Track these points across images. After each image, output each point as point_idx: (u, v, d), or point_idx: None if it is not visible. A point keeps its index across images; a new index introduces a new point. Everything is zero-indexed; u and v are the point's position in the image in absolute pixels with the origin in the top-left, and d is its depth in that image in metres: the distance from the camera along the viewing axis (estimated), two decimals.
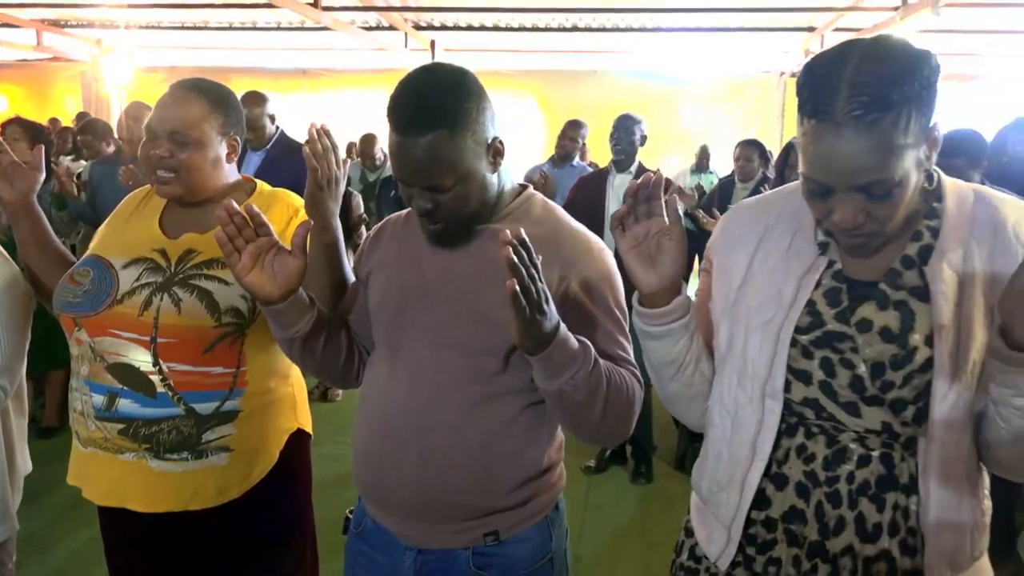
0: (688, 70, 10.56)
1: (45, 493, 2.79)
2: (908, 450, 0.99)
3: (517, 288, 0.94)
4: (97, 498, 1.42)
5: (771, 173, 3.96)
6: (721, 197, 4.23)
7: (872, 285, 1.01)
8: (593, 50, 9.54)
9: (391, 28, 8.76)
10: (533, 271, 0.97)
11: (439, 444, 1.15)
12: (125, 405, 1.36)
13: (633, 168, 3.45)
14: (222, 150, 1.45)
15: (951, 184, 1.03)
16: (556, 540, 1.25)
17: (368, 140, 5.12)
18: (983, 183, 2.75)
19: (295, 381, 1.53)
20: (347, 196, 4.51)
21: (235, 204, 1.15)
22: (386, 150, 5.80)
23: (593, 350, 1.08)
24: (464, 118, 1.11)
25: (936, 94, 0.91)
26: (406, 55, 9.63)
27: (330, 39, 8.85)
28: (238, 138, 1.48)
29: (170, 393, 1.36)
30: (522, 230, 0.97)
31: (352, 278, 1.37)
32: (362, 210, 4.29)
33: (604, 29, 8.74)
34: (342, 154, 1.33)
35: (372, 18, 8.43)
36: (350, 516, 1.35)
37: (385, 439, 1.20)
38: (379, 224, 1.38)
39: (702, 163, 7.75)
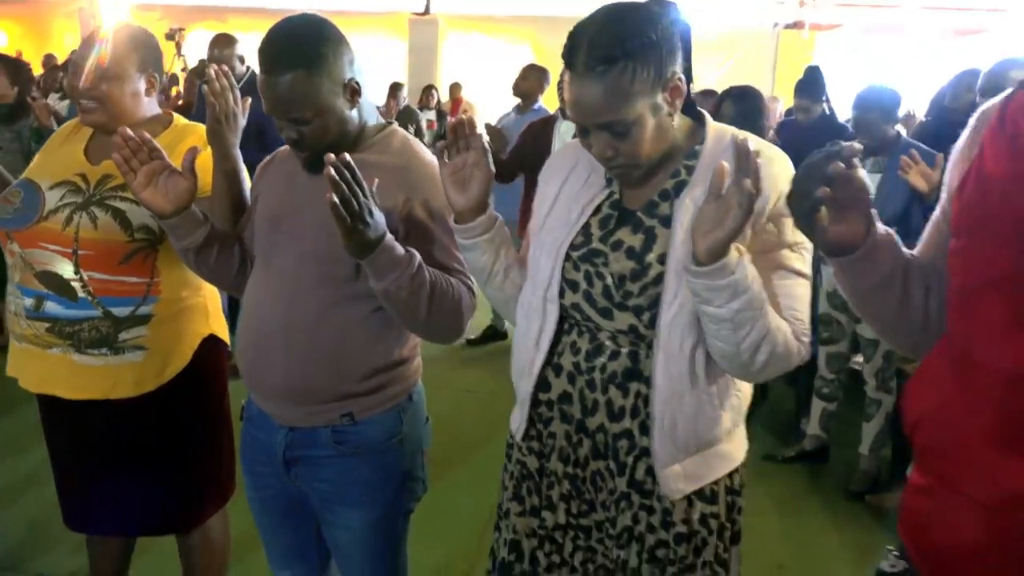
0: (694, 15, 10.46)
1: (20, 402, 3.05)
2: (650, 349, 1.18)
3: (336, 199, 1.14)
4: (32, 387, 1.66)
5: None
6: None
7: (634, 212, 1.21)
8: None
9: None
10: (355, 187, 1.17)
11: (299, 338, 1.37)
12: (51, 307, 1.58)
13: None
14: (140, 85, 1.64)
15: (715, 129, 1.21)
16: (407, 425, 1.47)
17: None
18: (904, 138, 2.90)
19: (207, 292, 1.75)
20: None
21: (129, 131, 1.35)
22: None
23: (418, 258, 1.29)
24: (320, 60, 1.30)
25: (671, 50, 1.10)
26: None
27: None
28: (156, 75, 1.66)
29: (89, 298, 1.58)
30: (346, 155, 1.17)
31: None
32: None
33: None
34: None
35: None
36: (244, 405, 1.58)
37: (257, 335, 1.42)
38: (271, 155, 1.57)
39: None
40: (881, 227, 0.94)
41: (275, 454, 1.46)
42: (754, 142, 1.08)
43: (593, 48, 1.08)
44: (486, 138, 1.24)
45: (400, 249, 1.26)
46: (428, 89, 7.46)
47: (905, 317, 0.98)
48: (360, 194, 1.18)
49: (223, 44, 3.50)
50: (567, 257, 1.23)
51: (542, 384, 1.27)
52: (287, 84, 1.29)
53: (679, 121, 1.19)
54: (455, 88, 8.87)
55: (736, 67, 10.82)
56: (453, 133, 1.24)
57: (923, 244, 1.04)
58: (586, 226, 1.23)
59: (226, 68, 1.49)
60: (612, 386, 1.21)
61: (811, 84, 3.89)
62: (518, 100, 4.34)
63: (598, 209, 1.24)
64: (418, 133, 5.79)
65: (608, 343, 1.22)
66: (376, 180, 1.25)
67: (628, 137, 1.12)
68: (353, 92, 1.36)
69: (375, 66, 10.04)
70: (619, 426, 1.21)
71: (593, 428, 1.23)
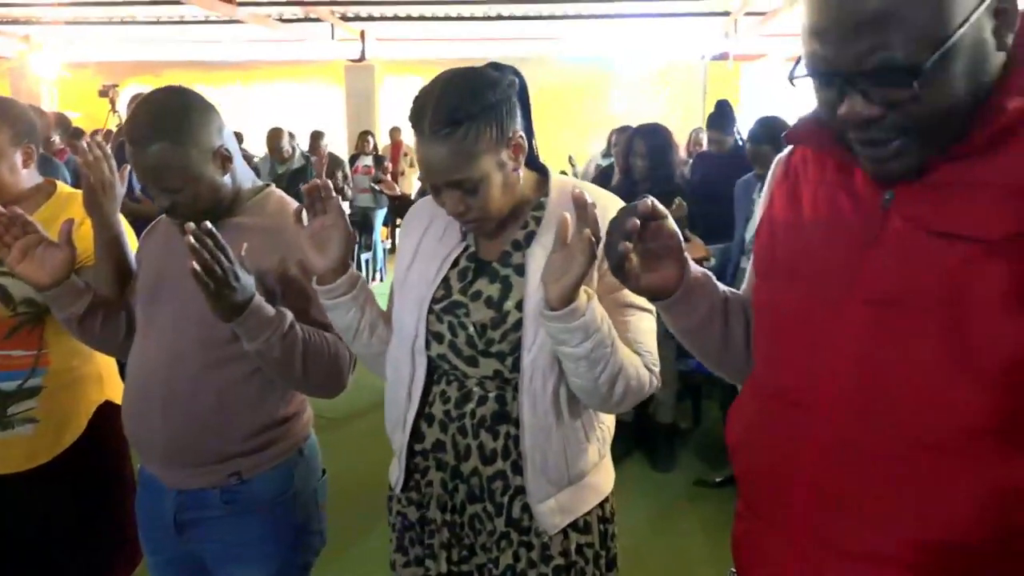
0: (616, 56, 10.77)
1: None
2: (516, 391, 1.23)
3: (196, 267, 1.17)
4: None
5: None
6: (602, 183, 4.48)
7: (490, 263, 1.27)
8: (523, 37, 9.75)
9: (317, 20, 8.86)
10: (217, 253, 1.20)
11: (180, 401, 1.39)
12: None
13: None
14: (16, 158, 1.65)
15: (557, 181, 1.29)
16: (299, 479, 1.49)
17: (275, 135, 5.31)
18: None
19: (101, 359, 1.75)
20: None
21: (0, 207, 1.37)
22: (295, 144, 5.91)
23: (289, 317, 1.32)
24: (186, 131, 1.34)
25: (510, 111, 1.17)
26: (337, 46, 9.75)
27: (260, 32, 8.94)
28: (32, 145, 1.68)
29: None
30: (207, 223, 1.21)
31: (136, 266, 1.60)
32: None
33: (528, 17, 8.94)
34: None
35: (297, 10, 8.51)
36: (138, 469, 1.58)
37: (139, 399, 1.43)
38: (155, 221, 1.60)
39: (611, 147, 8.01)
40: (697, 270, 1.01)
41: (166, 517, 1.47)
42: (589, 193, 1.15)
43: (437, 112, 1.14)
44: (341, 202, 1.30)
45: (270, 310, 1.30)
46: (364, 135, 7.54)
47: (728, 351, 1.04)
48: (223, 260, 1.21)
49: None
50: (430, 310, 1.27)
51: (416, 435, 1.31)
52: (154, 155, 1.33)
53: (525, 175, 1.26)
54: (395, 132, 8.96)
55: (670, 99, 11.16)
56: (309, 196, 1.29)
57: (744, 282, 1.11)
58: (446, 279, 1.28)
59: (99, 139, 1.52)
60: (483, 430, 1.25)
61: (720, 117, 4.06)
62: None
63: (456, 262, 1.29)
64: (345, 179, 5.83)
65: (476, 389, 1.26)
66: (245, 244, 1.29)
67: (477, 193, 1.18)
68: (224, 159, 1.40)
69: (313, 114, 10.15)
70: (492, 468, 1.25)
71: (467, 473, 1.27)
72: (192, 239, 1.18)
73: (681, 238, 0.99)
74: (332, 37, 9.28)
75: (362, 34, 9.67)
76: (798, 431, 0.85)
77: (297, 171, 5.35)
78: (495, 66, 1.25)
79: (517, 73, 1.27)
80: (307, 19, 8.91)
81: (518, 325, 1.21)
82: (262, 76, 10.78)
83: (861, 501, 0.80)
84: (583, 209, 1.04)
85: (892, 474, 0.78)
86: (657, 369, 1.25)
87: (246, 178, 1.48)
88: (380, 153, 7.85)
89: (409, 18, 8.92)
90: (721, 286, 1.05)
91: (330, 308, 1.30)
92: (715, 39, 9.35)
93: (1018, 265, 0.72)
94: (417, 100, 1.18)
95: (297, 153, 5.50)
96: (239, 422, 1.41)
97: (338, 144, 8.85)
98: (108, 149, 1.54)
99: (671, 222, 0.97)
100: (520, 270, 1.24)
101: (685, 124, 8.49)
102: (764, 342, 0.95)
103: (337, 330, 1.35)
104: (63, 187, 1.75)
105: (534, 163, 1.31)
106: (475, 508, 1.28)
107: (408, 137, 9.54)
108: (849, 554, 0.80)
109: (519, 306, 1.22)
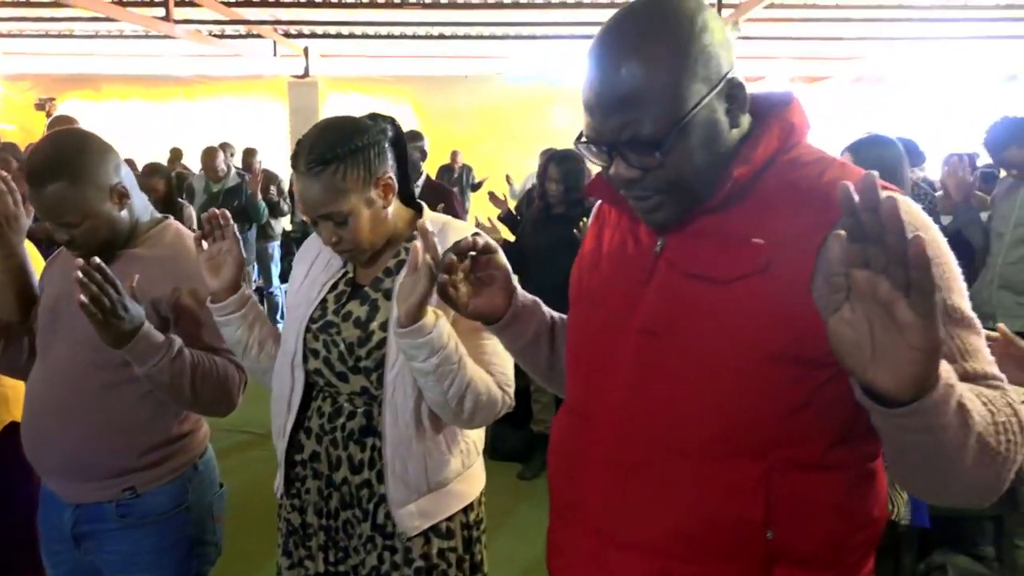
0: (560, 73, 10.98)
1: None
2: (381, 406, 1.37)
3: (84, 299, 1.29)
4: None
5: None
6: (527, 204, 4.63)
7: (363, 287, 1.41)
8: (467, 55, 9.90)
9: (259, 36, 8.88)
10: (105, 286, 1.31)
11: (76, 420, 1.49)
12: None
13: (420, 182, 3.85)
14: None
15: (429, 216, 1.44)
16: (194, 493, 1.60)
17: (210, 153, 5.35)
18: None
19: (6, 381, 1.83)
20: (180, 208, 4.74)
21: None
22: (229, 162, 5.94)
23: (178, 343, 1.44)
24: (82, 170, 1.46)
25: (379, 154, 1.32)
26: (282, 63, 9.78)
27: (202, 47, 8.91)
28: None
29: None
30: (96, 259, 1.32)
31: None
32: (193, 223, 4.52)
33: (471, 37, 9.10)
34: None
35: (240, 26, 8.52)
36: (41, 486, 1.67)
37: (36, 417, 1.53)
38: (58, 250, 1.70)
39: None
40: (527, 298, 1.15)
41: (64, 530, 1.56)
42: (451, 226, 1.37)
43: (311, 152, 1.30)
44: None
45: (159, 336, 1.41)
46: None
47: (553, 369, 1.19)
48: (111, 292, 1.33)
49: (61, 126, 3.57)
50: (307, 329, 1.41)
51: (295, 445, 1.43)
52: (52, 195, 1.44)
53: (399, 211, 1.41)
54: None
55: None
56: (209, 224, 1.42)
57: None
58: (323, 301, 1.42)
59: (4, 172, 1.61)
60: (351, 442, 1.38)
61: None
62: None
63: (335, 286, 1.43)
64: (281, 195, 5.90)
65: (347, 405, 1.39)
66: (137, 276, 1.41)
67: (347, 225, 1.32)
68: (120, 195, 1.51)
69: (257, 130, 10.15)
70: (360, 477, 1.38)
71: (339, 481, 1.40)
72: (80, 274, 1.29)
73: (509, 270, 1.13)
74: (275, 54, 9.31)
75: (305, 51, 9.72)
76: (585, 442, 1.00)
77: (231, 189, 5.41)
78: (372, 116, 1.40)
79: (394, 123, 1.42)
80: (249, 35, 8.92)
81: (382, 344, 1.35)
82: (205, 91, 10.72)
83: (631, 501, 0.95)
84: (424, 237, 1.16)
85: (653, 477, 0.93)
86: (511, 388, 1.40)
87: (144, 211, 1.60)
88: None
89: (352, 36, 9.00)
90: (549, 312, 1.20)
91: (222, 324, 1.44)
92: None
93: (744, 303, 0.89)
94: (298, 142, 1.33)
95: (232, 171, 5.55)
96: (133, 440, 1.51)
97: (282, 160, 8.89)
98: (12, 183, 1.63)
99: (500, 256, 1.11)
100: (388, 294, 1.38)
101: None
102: (568, 361, 1.10)
103: (229, 345, 1.47)
104: None
105: (410, 201, 1.46)
106: (347, 514, 1.41)
107: None
108: (623, 544, 0.95)
109: (383, 327, 1.36)
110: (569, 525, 1.03)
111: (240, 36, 8.93)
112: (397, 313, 1.23)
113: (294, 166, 1.32)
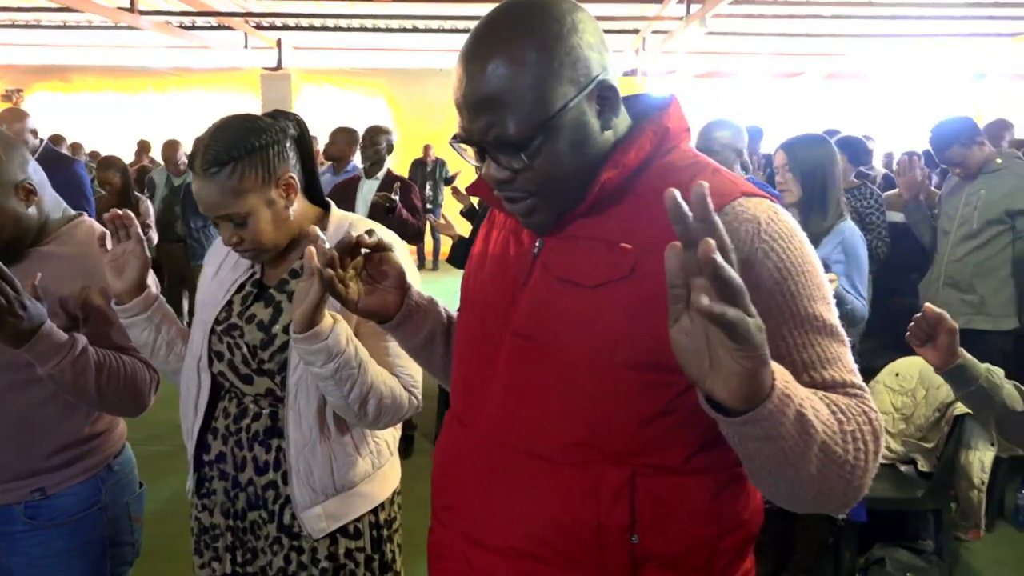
0: None
1: None
2: (286, 409, 1.36)
3: None
4: None
5: None
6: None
7: (268, 289, 1.40)
8: (438, 49, 9.86)
9: (229, 28, 8.80)
10: (3, 284, 1.29)
11: None
12: None
13: (381, 175, 3.81)
14: None
15: (337, 216, 1.43)
16: (108, 493, 1.58)
17: (171, 146, 5.29)
18: None
19: None
20: (137, 201, 4.69)
21: None
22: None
23: (82, 342, 1.41)
24: None
25: (279, 153, 1.31)
26: (254, 55, 9.69)
27: (172, 38, 8.82)
28: None
29: None
30: None
31: None
32: (150, 217, 4.47)
33: (444, 30, 9.06)
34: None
35: (209, 17, 8.43)
36: None
37: None
38: None
39: None
40: (420, 296, 1.14)
41: None
42: (349, 222, 1.37)
43: (206, 154, 1.28)
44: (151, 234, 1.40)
45: (61, 336, 1.39)
46: None
47: (449, 370, 1.18)
48: (8, 290, 1.30)
49: (12, 119, 3.52)
50: (212, 331, 1.39)
51: (203, 446, 1.42)
52: None
53: (306, 210, 1.39)
54: (312, 141, 8.97)
55: None
56: (113, 224, 1.39)
57: None
58: (229, 303, 1.41)
59: None
60: (256, 444, 1.37)
61: None
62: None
63: (242, 287, 1.42)
64: None
65: (252, 406, 1.38)
66: (39, 275, 1.38)
67: (246, 226, 1.31)
68: (27, 192, 1.48)
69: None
70: (265, 479, 1.37)
71: (245, 482, 1.38)
72: None
73: (403, 269, 1.11)
74: (245, 46, 9.23)
75: (278, 43, 9.65)
76: (461, 448, 1.00)
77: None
78: (273, 114, 1.38)
79: (298, 121, 1.40)
80: (219, 27, 8.83)
81: (285, 347, 1.34)
82: (176, 84, 10.59)
83: (497, 506, 0.94)
84: (314, 242, 1.13)
85: (519, 483, 0.93)
86: (417, 390, 1.39)
87: (56, 208, 1.57)
88: None
89: (325, 28, 8.94)
90: (447, 311, 1.18)
91: (128, 326, 1.42)
92: (628, 54, 9.66)
93: (606, 309, 0.88)
94: (195, 143, 1.31)
95: None
96: (41, 441, 1.49)
97: None
98: None
99: (394, 256, 1.08)
100: (292, 296, 1.36)
101: None
102: (453, 364, 1.09)
103: (136, 346, 1.45)
104: None
105: (318, 199, 1.45)
106: (254, 515, 1.40)
107: (321, 147, 9.58)
108: (488, 548, 0.95)
109: (286, 329, 1.34)
110: (445, 528, 1.02)
111: (211, 28, 8.84)
112: (292, 317, 1.22)
113: (191, 168, 1.31)
